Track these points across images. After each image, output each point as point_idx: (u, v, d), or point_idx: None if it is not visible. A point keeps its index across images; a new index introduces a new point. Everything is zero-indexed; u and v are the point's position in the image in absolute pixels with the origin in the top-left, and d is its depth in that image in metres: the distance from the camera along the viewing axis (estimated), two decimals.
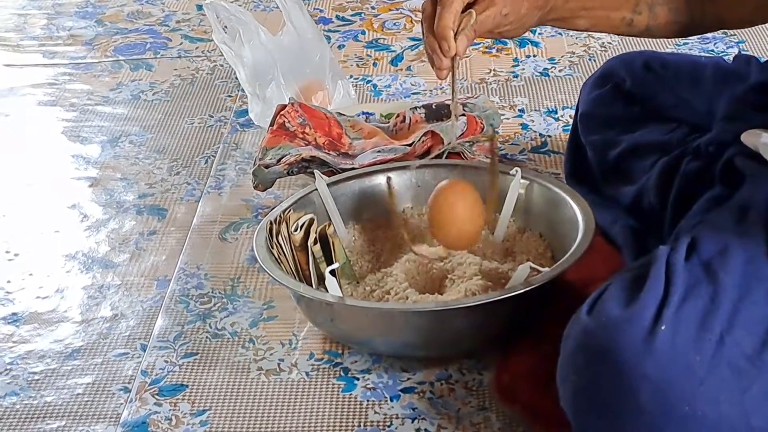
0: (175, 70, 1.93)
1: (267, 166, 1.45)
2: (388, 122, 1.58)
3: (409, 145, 1.47)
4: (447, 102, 1.58)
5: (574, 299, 1.22)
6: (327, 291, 1.14)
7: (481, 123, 1.50)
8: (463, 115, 1.50)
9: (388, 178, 1.29)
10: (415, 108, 1.56)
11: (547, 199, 1.29)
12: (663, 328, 0.88)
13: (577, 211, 1.24)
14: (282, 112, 1.54)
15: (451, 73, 1.15)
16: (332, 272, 1.13)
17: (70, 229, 1.47)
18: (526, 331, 1.18)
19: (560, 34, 1.94)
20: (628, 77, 1.37)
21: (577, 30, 1.25)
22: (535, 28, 1.95)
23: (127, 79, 1.90)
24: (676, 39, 1.88)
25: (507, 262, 1.26)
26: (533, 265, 1.11)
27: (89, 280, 1.35)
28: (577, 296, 1.23)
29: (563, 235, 1.24)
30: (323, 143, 1.51)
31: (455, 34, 1.11)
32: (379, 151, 1.47)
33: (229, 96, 1.82)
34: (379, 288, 1.22)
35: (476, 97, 1.58)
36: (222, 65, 1.91)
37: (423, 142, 1.44)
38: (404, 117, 1.55)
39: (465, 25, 1.11)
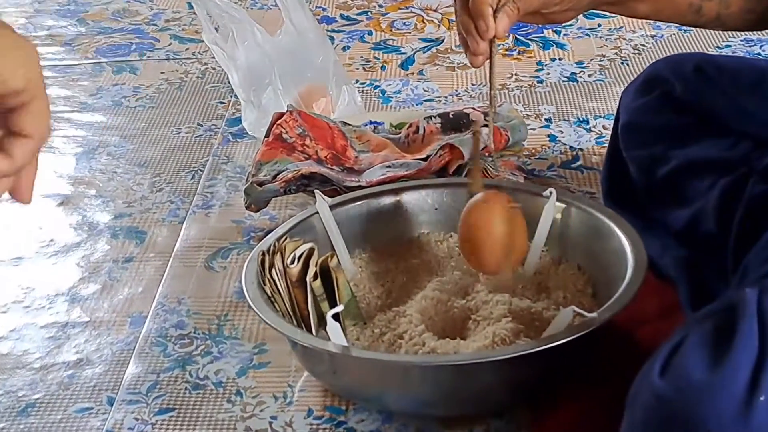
0: (162, 73, 1.74)
1: (261, 184, 1.26)
2: (399, 133, 1.39)
3: (424, 159, 1.28)
4: (466, 110, 1.39)
5: (620, 344, 1.05)
6: (328, 337, 0.95)
7: (506, 134, 1.31)
8: (485, 125, 1.32)
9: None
10: (430, 117, 1.37)
11: (587, 225, 1.10)
12: (762, 398, 0.70)
13: (623, 240, 1.05)
14: (279, 122, 1.35)
15: (489, 61, 0.96)
16: (335, 316, 0.94)
17: (32, 255, 1.28)
18: (565, 382, 1.00)
19: (587, 34, 1.75)
20: (678, 83, 1.18)
21: (636, 17, 1.07)
22: (560, 28, 1.78)
23: (109, 83, 1.72)
24: (716, 40, 1.69)
25: (540, 299, 1.08)
26: (577, 309, 0.92)
27: (51, 317, 1.16)
28: (625, 340, 1.06)
29: (606, 267, 1.06)
30: (325, 157, 1.32)
31: (494, 12, 0.92)
32: (389, 167, 1.28)
33: (221, 102, 1.63)
34: (390, 330, 1.03)
35: (499, 105, 1.40)
36: (214, 68, 1.72)
37: (440, 156, 1.25)
38: (417, 127, 1.36)
39: (506, 1, 0.93)
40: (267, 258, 1.03)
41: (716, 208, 1.08)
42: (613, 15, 1.79)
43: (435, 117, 1.37)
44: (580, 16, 1.81)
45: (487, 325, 1.02)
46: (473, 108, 1.40)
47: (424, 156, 1.30)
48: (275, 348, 1.09)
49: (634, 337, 1.05)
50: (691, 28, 1.73)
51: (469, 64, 1.01)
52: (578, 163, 1.39)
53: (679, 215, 1.13)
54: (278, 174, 1.27)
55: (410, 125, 1.38)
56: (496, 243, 1.00)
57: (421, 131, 1.36)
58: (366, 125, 1.44)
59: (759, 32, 1.70)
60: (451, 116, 1.37)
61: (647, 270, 1.00)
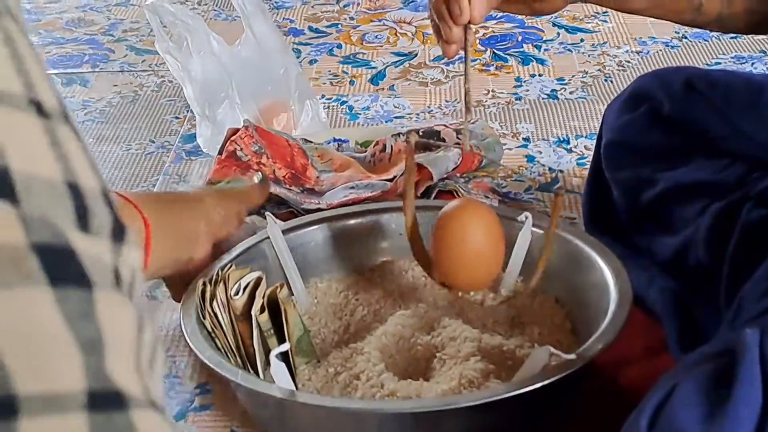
0: (115, 86, 1.63)
1: None
2: (365, 152, 1.29)
3: (390, 180, 1.18)
4: (437, 127, 1.29)
5: (601, 388, 0.94)
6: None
7: (480, 154, 1.21)
8: (458, 144, 1.22)
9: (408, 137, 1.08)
10: (398, 134, 1.27)
11: (566, 254, 0.99)
12: None
13: (606, 271, 0.94)
14: (233, 138, 1.25)
15: (463, 50, 0.86)
16: (284, 354, 0.83)
17: None
18: (539, 429, 0.89)
19: (569, 50, 1.66)
20: (666, 99, 1.08)
21: (631, 11, 0.98)
22: (540, 43, 1.68)
23: None
24: (706, 57, 1.59)
25: (514, 335, 0.97)
26: (553, 350, 0.82)
27: None
28: (607, 383, 0.95)
29: (588, 301, 0.95)
30: (284, 177, 1.22)
31: None
32: (352, 188, 1.18)
33: (177, 117, 1.52)
34: (346, 370, 0.92)
35: (473, 122, 1.29)
36: (171, 81, 1.62)
37: None
38: (384, 145, 1.26)
39: None
40: (208, 288, 0.92)
41: (708, 236, 0.98)
42: (597, 30, 1.71)
43: (404, 134, 1.27)
44: (562, 31, 1.71)
45: (454, 365, 0.91)
46: (444, 125, 1.30)
47: (390, 176, 1.20)
48: (220, 389, 0.98)
49: (617, 381, 0.95)
50: (679, 44, 1.64)
51: (443, 52, 0.93)
52: (558, 185, 1.29)
53: (667, 243, 1.03)
54: None
55: (377, 143, 1.28)
56: (474, 255, 0.90)
57: (388, 150, 1.26)
58: (329, 143, 1.34)
59: (751, 49, 1.61)
60: (420, 134, 1.27)
61: (632, 305, 0.90)
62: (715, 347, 0.72)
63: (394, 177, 1.18)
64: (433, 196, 1.16)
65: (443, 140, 1.25)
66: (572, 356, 0.82)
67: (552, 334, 0.96)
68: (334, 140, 1.35)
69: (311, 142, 1.30)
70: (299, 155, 1.26)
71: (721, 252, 0.96)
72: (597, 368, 0.91)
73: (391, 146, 1.26)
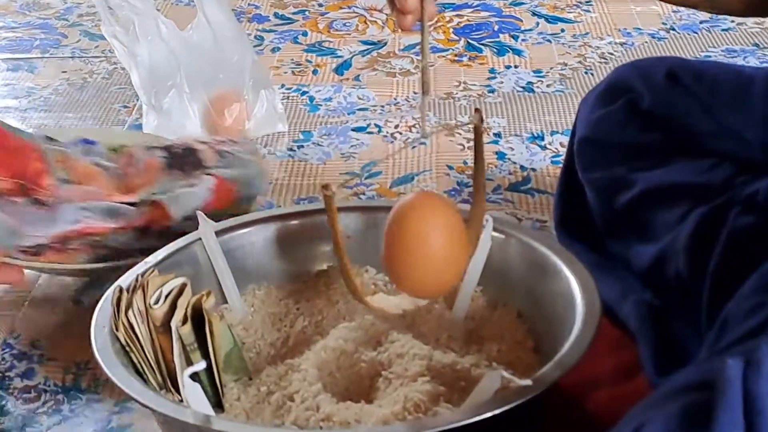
0: (64, 72, 1.53)
1: None
2: (116, 159, 1.05)
3: (132, 204, 0.98)
4: (198, 145, 1.05)
5: (565, 414, 0.84)
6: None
7: (234, 189, 1.03)
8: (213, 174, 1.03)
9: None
10: (154, 148, 1.03)
11: (529, 261, 0.89)
12: None
13: (572, 281, 0.84)
14: None
15: (419, 21, 0.78)
16: (194, 376, 0.73)
17: None
18: None
19: (548, 40, 1.55)
20: (646, 91, 0.98)
21: None
22: (518, 33, 1.58)
23: (1, 83, 1.50)
24: (694, 49, 1.49)
25: (470, 352, 0.86)
26: (506, 374, 0.71)
27: None
28: (571, 409, 0.85)
29: (552, 315, 0.85)
30: (4, 189, 0.96)
31: None
32: (85, 209, 0.99)
33: (125, 106, 1.42)
34: (279, 389, 0.82)
35: (235, 143, 1.07)
36: (122, 69, 1.51)
37: (142, 212, 0.98)
38: (134, 157, 1.03)
39: None
40: (125, 296, 0.82)
41: (689, 245, 0.88)
42: (579, 20, 1.60)
43: (160, 149, 1.02)
44: (542, 21, 1.61)
45: (400, 385, 0.81)
46: (207, 143, 1.05)
47: (134, 200, 0.99)
48: (141, 408, 0.87)
49: (583, 405, 0.84)
50: (666, 36, 1.54)
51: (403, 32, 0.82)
52: (529, 185, 1.18)
53: (644, 252, 0.93)
54: None
55: (128, 153, 1.04)
56: (436, 258, 0.78)
57: (139, 164, 1.02)
58: (77, 144, 1.05)
59: (743, 42, 1.51)
60: (180, 151, 1.01)
61: (601, 320, 0.79)
62: (691, 377, 0.62)
63: (137, 202, 0.97)
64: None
65: (201, 163, 1.02)
66: (528, 382, 0.71)
67: (512, 351, 0.86)
68: (82, 141, 1.07)
69: (56, 141, 1.04)
70: (36, 158, 0.99)
71: (703, 263, 0.85)
72: (561, 390, 0.81)
73: (144, 161, 1.00)
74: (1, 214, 0.94)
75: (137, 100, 1.40)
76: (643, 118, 0.98)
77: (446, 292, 0.86)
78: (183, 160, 0.96)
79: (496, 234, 0.90)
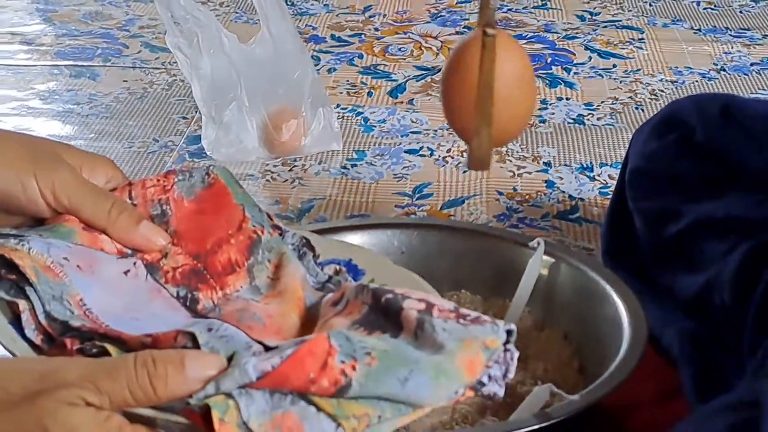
0: (125, 81, 1.57)
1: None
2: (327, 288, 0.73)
3: (268, 348, 0.61)
4: (404, 301, 0.65)
5: (606, 431, 0.86)
6: None
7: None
8: None
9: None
10: (364, 289, 0.66)
11: (578, 285, 0.91)
12: None
13: (620, 306, 0.86)
14: (145, 180, 0.75)
15: None
16: None
17: None
18: None
19: (600, 75, 1.58)
20: (700, 126, 1.00)
21: None
22: (570, 66, 1.60)
23: (64, 88, 1.54)
24: (744, 90, 1.51)
25: (516, 370, 0.88)
26: (555, 389, 0.74)
27: None
28: (613, 427, 0.87)
29: (598, 338, 0.87)
30: (174, 270, 0.72)
31: None
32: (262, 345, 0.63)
33: (184, 118, 1.46)
34: None
35: (460, 314, 0.65)
36: (182, 80, 1.55)
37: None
38: (342, 297, 0.68)
39: None
40: None
41: (734, 277, 0.89)
42: (631, 56, 1.63)
43: (366, 291, 0.66)
44: (594, 56, 1.64)
45: None
46: (415, 299, 0.64)
47: (276, 344, 0.62)
48: None
49: (624, 426, 0.86)
50: (717, 76, 1.56)
51: None
52: (577, 214, 1.20)
53: (690, 281, 0.95)
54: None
55: (343, 291, 0.69)
56: (470, 92, 0.70)
57: (341, 305, 0.68)
58: (328, 263, 0.76)
59: None
60: (383, 301, 0.64)
61: (647, 345, 0.81)
62: (737, 396, 0.64)
63: (277, 346, 0.61)
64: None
65: (400, 325, 0.63)
66: (575, 397, 0.74)
67: (557, 371, 0.88)
68: (346, 264, 0.78)
69: (284, 232, 0.75)
70: (238, 248, 0.73)
71: (747, 295, 0.87)
72: (603, 411, 0.83)
73: (348, 300, 0.67)
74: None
75: (196, 112, 1.43)
76: (695, 151, 1.00)
77: (518, 134, 0.76)
78: (385, 313, 0.64)
79: (547, 257, 0.93)
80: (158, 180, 0.74)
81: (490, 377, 0.61)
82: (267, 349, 0.61)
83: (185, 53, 1.35)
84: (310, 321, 0.69)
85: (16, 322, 0.65)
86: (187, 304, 0.70)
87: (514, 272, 0.93)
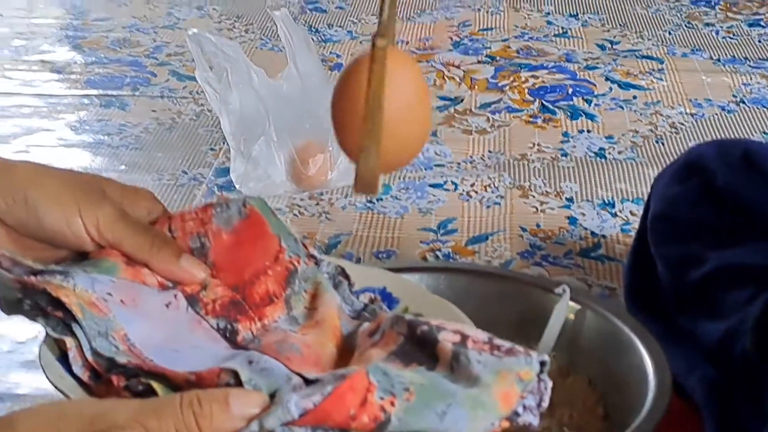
0: (154, 111, 1.60)
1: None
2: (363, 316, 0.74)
3: (309, 382, 0.63)
4: (440, 333, 0.66)
5: None
6: None
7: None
8: None
9: None
10: (398, 320, 0.67)
11: (603, 333, 0.93)
12: None
13: (645, 356, 0.88)
14: (182, 213, 0.76)
15: None
16: None
17: None
18: None
19: (621, 107, 1.60)
20: (721, 171, 1.02)
21: None
22: (591, 97, 1.62)
23: (94, 118, 1.58)
24: (765, 124, 1.53)
25: (542, 417, 0.91)
26: None
27: None
28: None
29: (623, 386, 0.89)
30: (213, 302, 0.73)
31: None
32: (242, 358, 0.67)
33: (212, 149, 1.49)
34: None
35: (498, 347, 0.65)
36: (210, 110, 1.58)
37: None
38: (378, 328, 0.69)
39: None
40: None
41: (756, 325, 0.91)
42: (650, 87, 1.65)
43: (402, 322, 0.67)
44: (615, 87, 1.66)
45: None
46: (450, 330, 0.65)
47: (315, 377, 0.63)
48: None
49: None
50: (736, 109, 1.58)
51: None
52: (600, 251, 1.23)
53: (711, 328, 0.97)
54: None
55: (379, 321, 0.70)
56: (359, 109, 0.64)
57: (377, 335, 0.69)
58: (372, 293, 0.77)
59: None
60: (418, 333, 0.66)
61: (672, 397, 0.84)
62: None
63: (316, 380, 0.62)
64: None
65: (435, 356, 0.65)
66: None
67: (582, 417, 0.90)
68: (381, 293, 0.77)
69: (319, 262, 0.75)
70: (275, 279, 0.74)
71: None
72: None
73: (384, 331, 0.68)
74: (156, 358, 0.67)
75: (224, 143, 1.46)
76: (716, 197, 1.02)
77: (413, 157, 0.70)
78: (421, 345, 0.66)
79: (571, 303, 0.95)
80: (197, 213, 0.76)
81: (524, 407, 0.62)
82: (306, 381, 0.63)
83: (215, 88, 1.39)
84: (346, 350, 0.70)
85: (64, 359, 0.67)
86: (227, 335, 0.71)
87: (539, 317, 0.95)
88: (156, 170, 1.42)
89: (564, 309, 0.94)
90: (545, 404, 0.63)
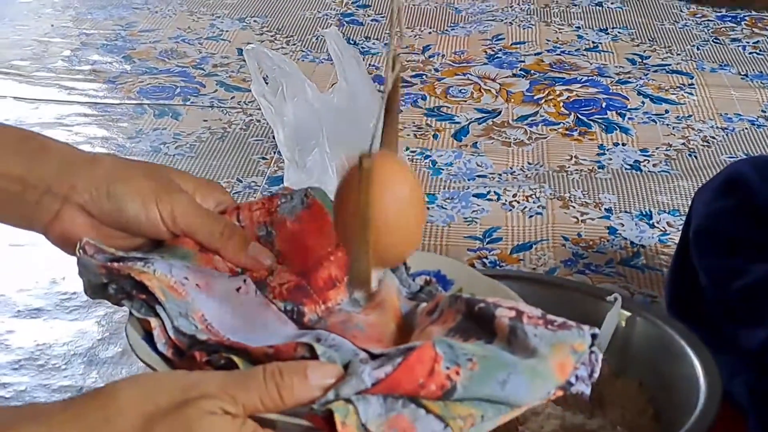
0: (205, 121, 1.67)
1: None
2: (419, 297, 0.82)
3: (375, 356, 0.69)
4: (497, 308, 0.72)
5: None
6: None
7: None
8: None
9: None
10: (457, 298, 0.75)
11: (653, 338, 1.00)
12: None
13: (695, 360, 0.95)
14: (248, 203, 0.84)
15: None
16: None
17: (51, 308, 1.20)
18: None
19: (654, 120, 1.67)
20: (761, 187, 1.09)
21: None
22: (624, 111, 1.69)
23: (149, 127, 1.64)
24: None
25: (595, 416, 0.98)
26: None
27: (66, 380, 1.07)
28: None
29: (672, 389, 0.96)
30: (281, 285, 0.79)
31: None
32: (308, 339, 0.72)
33: (263, 158, 1.55)
34: None
35: (552, 322, 0.72)
36: (259, 120, 1.65)
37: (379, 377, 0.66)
38: (436, 307, 0.76)
39: None
40: None
41: None
42: (682, 102, 1.71)
43: (460, 300, 0.74)
44: (647, 101, 1.72)
45: None
46: (505, 307, 0.72)
47: (380, 351, 0.70)
48: None
49: None
50: (765, 124, 1.64)
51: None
52: (639, 260, 1.29)
53: (754, 335, 1.03)
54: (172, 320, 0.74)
55: (436, 300, 0.77)
56: (352, 219, 0.69)
57: (436, 314, 0.76)
58: (427, 275, 0.84)
59: None
60: (476, 310, 0.72)
61: (721, 401, 0.90)
62: None
63: (381, 354, 0.69)
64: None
65: (492, 330, 0.72)
66: None
67: (634, 417, 0.97)
68: (436, 275, 0.85)
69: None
70: (337, 265, 0.80)
71: None
72: None
73: (442, 310, 0.75)
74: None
75: (274, 152, 1.53)
76: (757, 213, 1.09)
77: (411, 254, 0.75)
78: (479, 321, 0.71)
79: (623, 311, 1.02)
80: (263, 203, 0.83)
81: (577, 377, 0.68)
82: (372, 356, 0.69)
83: (269, 101, 1.45)
84: (406, 328, 0.77)
85: (148, 337, 0.74)
86: (294, 317, 0.78)
87: (590, 322, 1.01)
88: (212, 178, 1.49)
89: (616, 316, 1.01)
90: (596, 375, 0.68)
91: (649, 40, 1.98)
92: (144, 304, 0.73)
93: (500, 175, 1.51)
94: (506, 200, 1.44)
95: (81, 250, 0.75)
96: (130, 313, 0.74)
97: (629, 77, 1.82)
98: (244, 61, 1.62)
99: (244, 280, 0.79)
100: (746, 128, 1.63)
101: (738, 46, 1.95)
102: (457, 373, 0.65)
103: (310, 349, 0.68)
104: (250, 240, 0.80)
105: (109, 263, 0.75)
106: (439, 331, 0.72)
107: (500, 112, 1.71)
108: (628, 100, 1.73)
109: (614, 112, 1.69)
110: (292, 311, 0.78)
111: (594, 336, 0.69)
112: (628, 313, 1.02)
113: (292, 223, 0.81)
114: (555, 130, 1.63)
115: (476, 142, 1.61)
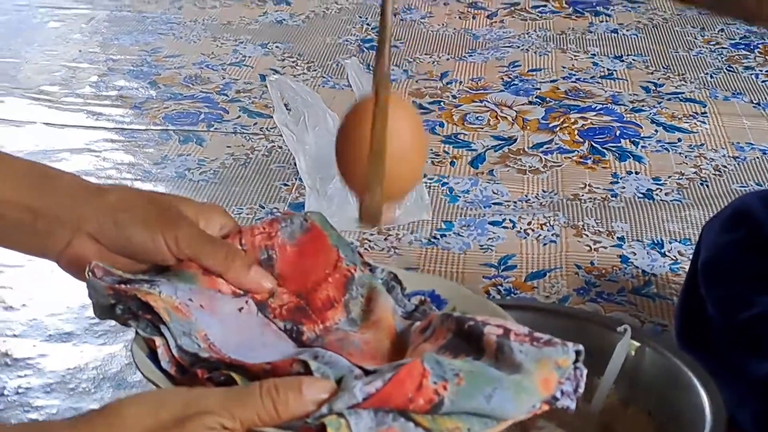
0: (228, 147, 1.71)
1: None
2: (414, 316, 0.85)
3: (368, 372, 0.72)
4: (485, 326, 0.75)
5: None
6: None
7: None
8: None
9: None
10: (447, 317, 0.78)
11: (661, 369, 1.04)
12: None
13: (701, 392, 0.98)
14: (250, 228, 0.86)
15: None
16: None
17: (81, 333, 1.24)
18: None
19: (666, 149, 1.70)
20: (767, 221, 1.13)
21: None
22: (638, 139, 1.73)
23: (174, 153, 1.69)
24: None
25: None
26: None
27: (96, 404, 1.12)
28: None
29: (679, 418, 0.99)
30: (280, 307, 0.83)
31: None
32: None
33: (285, 185, 1.60)
34: None
35: (538, 340, 0.74)
36: (281, 147, 1.69)
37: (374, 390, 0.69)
38: (430, 325, 0.79)
39: None
40: None
41: None
42: (694, 130, 1.75)
43: (451, 319, 0.77)
44: (660, 129, 1.76)
45: None
46: (494, 325, 0.74)
47: (373, 368, 0.73)
48: None
49: None
50: None
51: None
52: (650, 289, 1.33)
53: (759, 366, 1.07)
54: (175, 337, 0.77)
55: (430, 319, 0.80)
56: (364, 148, 0.72)
57: (428, 332, 0.78)
58: (414, 295, 0.87)
59: None
60: (466, 328, 0.75)
61: (726, 429, 0.94)
62: None
63: (375, 370, 0.71)
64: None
65: (481, 349, 0.75)
66: None
67: None
68: (430, 295, 0.87)
69: (374, 269, 0.86)
70: (335, 286, 0.83)
71: None
72: None
73: (435, 329, 0.78)
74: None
75: (296, 179, 1.58)
76: (763, 246, 1.12)
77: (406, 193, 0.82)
78: (468, 338, 0.74)
79: (632, 341, 1.06)
80: (264, 228, 0.86)
81: (562, 392, 0.71)
82: (366, 372, 0.73)
83: (291, 129, 1.50)
84: (400, 346, 0.80)
85: (153, 356, 0.77)
86: (293, 336, 0.82)
87: (600, 352, 1.05)
88: (235, 204, 1.53)
89: (625, 346, 1.05)
90: (581, 390, 0.72)
91: (663, 67, 2.02)
92: (149, 324, 0.77)
93: (515, 202, 1.55)
94: (521, 228, 1.48)
95: (90, 273, 0.79)
96: (136, 332, 0.78)
97: (643, 105, 1.85)
98: (266, 87, 1.68)
99: (246, 302, 0.83)
100: (758, 157, 1.67)
101: (751, 74, 1.98)
102: (444, 388, 0.68)
103: (304, 365, 0.72)
104: (252, 263, 0.84)
105: (117, 285, 0.79)
106: (430, 348, 0.76)
107: (516, 139, 1.75)
108: (641, 128, 1.77)
109: (628, 140, 1.73)
110: (291, 330, 0.82)
111: (578, 352, 0.72)
112: (638, 344, 1.06)
113: (292, 247, 0.85)
114: (569, 158, 1.67)
115: (492, 170, 1.65)
